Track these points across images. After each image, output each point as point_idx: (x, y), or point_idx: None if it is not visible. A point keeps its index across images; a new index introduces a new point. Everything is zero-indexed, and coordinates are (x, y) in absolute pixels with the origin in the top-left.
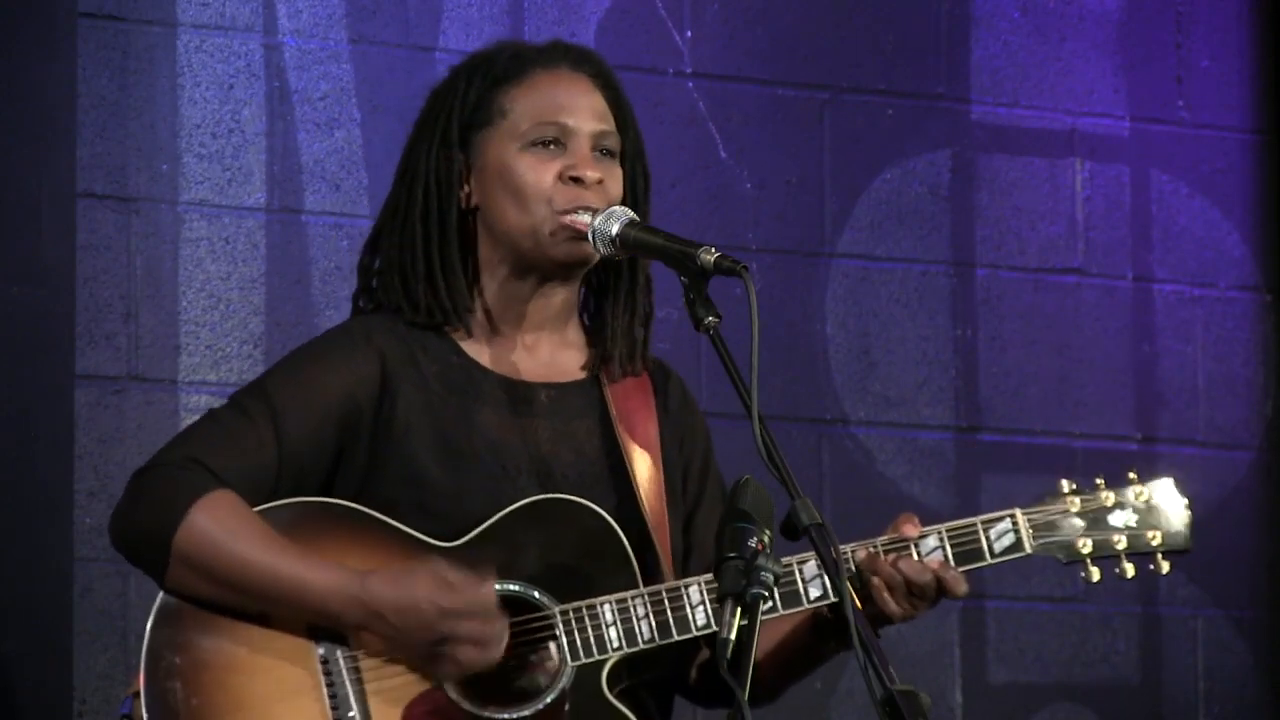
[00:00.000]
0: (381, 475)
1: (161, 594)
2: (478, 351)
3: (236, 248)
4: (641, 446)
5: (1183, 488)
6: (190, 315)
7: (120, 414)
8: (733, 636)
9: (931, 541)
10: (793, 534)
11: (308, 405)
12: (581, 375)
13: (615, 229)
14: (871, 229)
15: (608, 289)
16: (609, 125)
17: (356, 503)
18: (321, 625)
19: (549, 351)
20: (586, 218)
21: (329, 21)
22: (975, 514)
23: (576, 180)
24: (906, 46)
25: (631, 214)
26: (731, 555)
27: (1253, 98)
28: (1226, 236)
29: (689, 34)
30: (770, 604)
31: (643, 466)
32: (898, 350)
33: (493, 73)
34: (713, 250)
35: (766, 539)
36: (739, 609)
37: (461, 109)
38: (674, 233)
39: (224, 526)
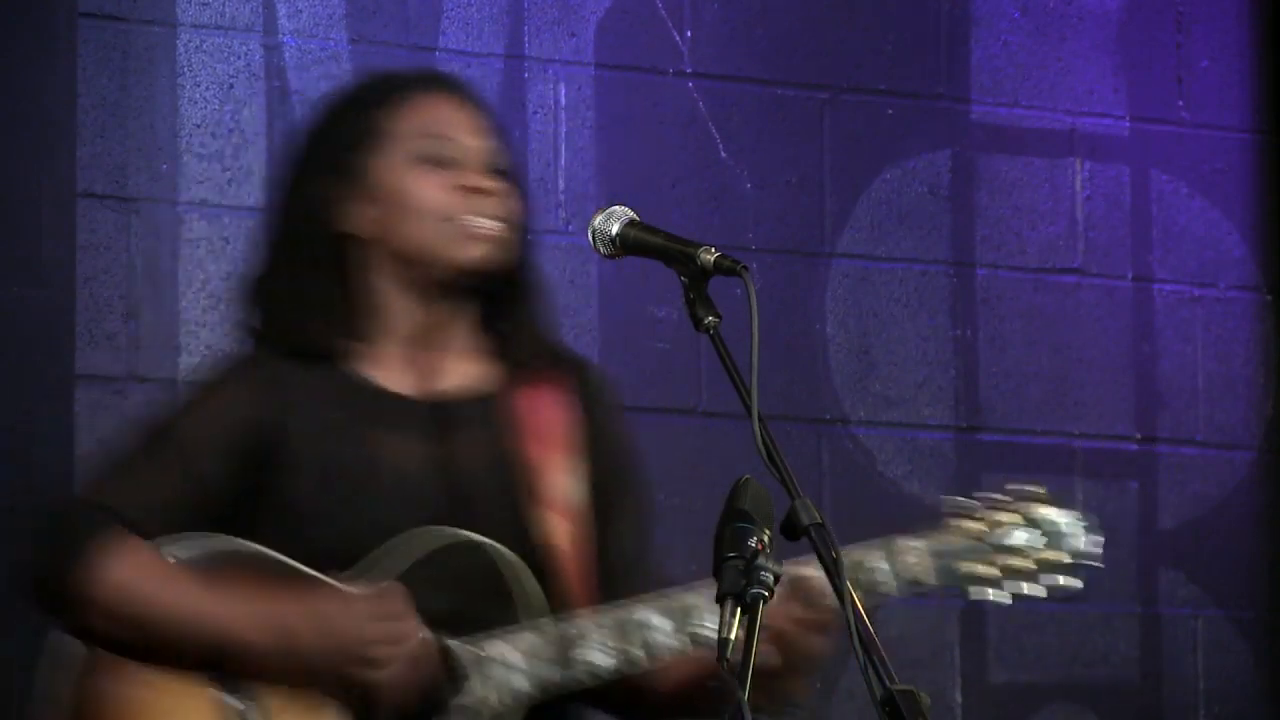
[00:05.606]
0: (272, 507)
1: (51, 643)
2: (375, 375)
3: (236, 248)
4: (551, 455)
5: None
6: (190, 315)
7: (120, 414)
8: (733, 636)
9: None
10: (793, 534)
11: (210, 438)
12: (486, 387)
13: (615, 229)
14: (871, 229)
15: (503, 297)
16: (498, 144)
17: (251, 535)
18: (230, 657)
19: (449, 367)
20: (489, 223)
21: (329, 21)
22: None
23: (475, 191)
24: (906, 46)
25: (631, 214)
26: (731, 555)
27: (1253, 98)
28: (1226, 236)
29: (689, 34)
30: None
31: (551, 477)
32: (898, 350)
33: (366, 99)
34: (713, 250)
35: (766, 539)
36: (739, 609)
37: (337, 137)
38: (674, 232)
39: (123, 570)
